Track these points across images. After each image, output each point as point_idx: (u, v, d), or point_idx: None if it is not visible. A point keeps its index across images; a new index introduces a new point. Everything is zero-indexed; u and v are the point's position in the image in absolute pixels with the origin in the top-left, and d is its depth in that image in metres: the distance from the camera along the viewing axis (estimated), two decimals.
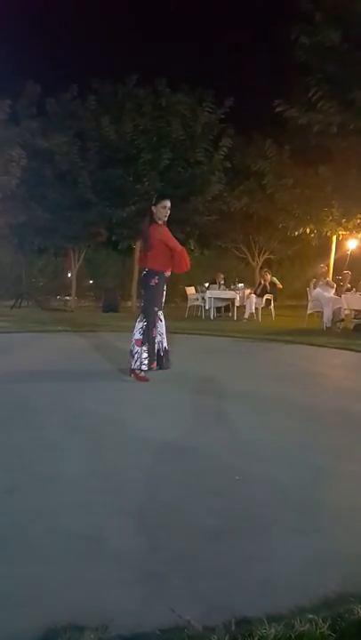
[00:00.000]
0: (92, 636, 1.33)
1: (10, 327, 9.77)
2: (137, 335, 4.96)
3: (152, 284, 5.02)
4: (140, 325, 4.99)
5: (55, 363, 6.09)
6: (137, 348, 4.91)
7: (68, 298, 19.04)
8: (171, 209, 5.08)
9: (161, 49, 22.84)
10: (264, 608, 1.48)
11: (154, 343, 5.00)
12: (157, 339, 5.08)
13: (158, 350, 5.09)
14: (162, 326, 5.19)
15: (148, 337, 4.94)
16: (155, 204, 5.04)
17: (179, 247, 5.12)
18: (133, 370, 4.92)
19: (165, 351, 5.20)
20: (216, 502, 2.24)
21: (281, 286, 13.93)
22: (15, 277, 18.65)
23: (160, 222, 5.05)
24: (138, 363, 4.88)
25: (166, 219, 5.08)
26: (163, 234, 5.02)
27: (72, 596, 1.56)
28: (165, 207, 5.03)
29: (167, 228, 5.10)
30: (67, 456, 2.80)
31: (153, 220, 5.04)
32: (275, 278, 13.78)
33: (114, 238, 16.14)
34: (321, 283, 11.20)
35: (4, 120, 13.21)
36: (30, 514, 2.09)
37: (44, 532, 1.94)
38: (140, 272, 5.20)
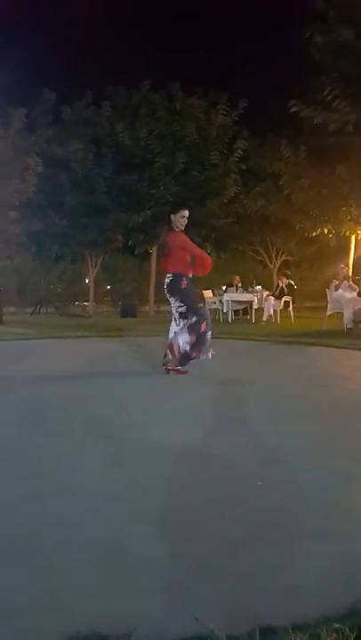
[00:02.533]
0: None
1: (30, 334, 9.87)
2: (181, 334, 5.18)
3: (183, 286, 5.26)
4: (181, 325, 5.22)
5: (74, 368, 6.12)
6: (181, 345, 5.16)
7: (86, 303, 19.17)
8: (188, 214, 5.33)
9: (174, 53, 22.94)
10: (289, 617, 1.44)
11: (203, 337, 5.25)
12: (208, 331, 5.34)
13: (205, 340, 5.32)
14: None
15: (197, 332, 5.20)
16: (174, 213, 5.32)
17: (198, 251, 5.41)
18: (174, 368, 5.23)
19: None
20: (238, 509, 2.21)
21: (295, 286, 13.82)
22: (34, 284, 18.87)
23: (178, 230, 5.30)
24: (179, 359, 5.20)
25: (183, 227, 5.33)
26: (181, 241, 5.26)
27: (93, 604, 1.54)
28: (184, 217, 5.31)
29: (185, 235, 5.35)
30: (87, 462, 2.80)
31: (171, 228, 5.30)
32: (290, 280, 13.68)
33: (130, 243, 16.23)
34: (343, 285, 11.06)
35: (20, 129, 13.40)
36: (51, 521, 2.09)
37: (65, 540, 1.93)
38: (163, 277, 5.42)
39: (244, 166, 15.16)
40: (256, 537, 1.96)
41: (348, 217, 12.96)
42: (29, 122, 13.82)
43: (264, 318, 12.61)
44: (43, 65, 20.01)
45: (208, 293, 14.77)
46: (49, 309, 17.41)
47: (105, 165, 15.02)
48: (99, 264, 18.11)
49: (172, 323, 5.38)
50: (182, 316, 5.24)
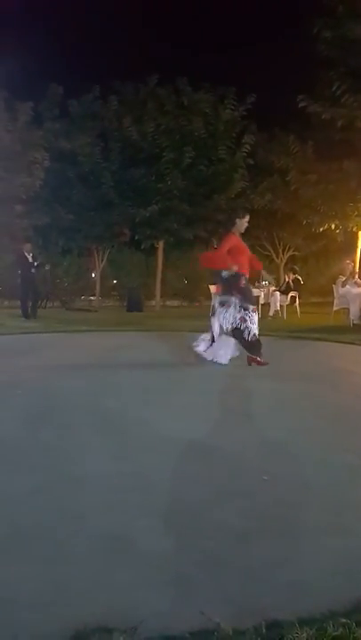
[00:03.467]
0: (121, 639, 1.33)
1: (36, 327, 9.90)
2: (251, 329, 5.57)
3: (242, 285, 5.68)
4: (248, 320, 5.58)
5: (81, 363, 6.14)
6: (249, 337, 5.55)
7: (92, 298, 19.20)
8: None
9: (182, 48, 22.82)
10: (295, 611, 1.45)
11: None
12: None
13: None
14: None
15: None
16: (240, 217, 5.86)
17: (248, 252, 5.98)
18: (254, 358, 5.57)
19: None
20: (244, 503, 2.22)
21: (302, 282, 13.77)
22: (40, 278, 18.89)
23: (237, 233, 5.82)
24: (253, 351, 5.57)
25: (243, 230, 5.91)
26: (237, 243, 5.78)
27: (101, 597, 1.55)
28: (247, 222, 5.92)
29: (240, 238, 5.89)
30: (94, 456, 2.81)
31: (231, 231, 5.83)
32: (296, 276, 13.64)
33: (137, 238, 16.20)
34: (350, 282, 11.01)
35: (28, 122, 13.38)
36: (59, 514, 2.11)
37: (73, 533, 1.95)
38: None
39: (251, 161, 15.07)
40: (262, 531, 1.96)
41: (356, 212, 12.88)
42: (36, 116, 13.79)
43: (270, 313, 12.58)
44: (50, 59, 19.96)
45: (214, 288, 14.75)
46: (55, 303, 17.46)
47: (112, 160, 14.98)
48: (105, 258, 18.11)
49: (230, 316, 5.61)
50: (243, 307, 5.63)
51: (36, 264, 12.20)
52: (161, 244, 16.45)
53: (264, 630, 1.36)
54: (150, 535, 1.93)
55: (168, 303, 19.24)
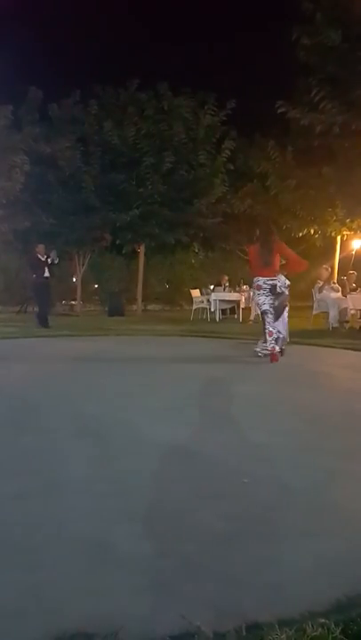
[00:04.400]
0: None
1: (16, 333, 9.79)
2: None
3: (286, 288, 6.69)
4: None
5: (61, 367, 6.09)
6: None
7: (73, 302, 19.07)
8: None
9: (162, 52, 22.91)
10: (275, 613, 1.46)
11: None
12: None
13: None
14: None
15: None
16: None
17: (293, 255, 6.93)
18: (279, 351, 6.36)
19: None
20: (224, 506, 2.22)
21: None
22: (20, 283, 18.70)
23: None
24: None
25: None
26: (284, 248, 6.74)
27: (80, 603, 1.54)
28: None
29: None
30: (74, 461, 2.79)
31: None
32: None
33: (118, 242, 16.18)
34: (326, 287, 11.17)
35: (7, 126, 13.27)
36: (37, 520, 2.08)
37: (51, 539, 1.93)
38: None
39: (231, 166, 15.20)
40: (243, 534, 1.97)
41: (334, 217, 13.08)
42: (16, 119, 13.68)
43: (252, 317, 12.66)
44: (30, 63, 19.86)
45: (195, 292, 14.81)
46: (36, 308, 17.28)
47: (92, 164, 14.95)
48: (86, 263, 18.03)
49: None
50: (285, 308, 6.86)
51: (50, 261, 11.13)
52: (142, 249, 16.45)
53: (244, 632, 1.37)
54: (130, 540, 1.92)
55: (150, 307, 19.23)
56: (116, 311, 15.17)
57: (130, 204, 14.58)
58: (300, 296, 19.31)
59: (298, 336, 8.92)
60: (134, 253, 17.03)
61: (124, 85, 15.28)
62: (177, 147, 14.63)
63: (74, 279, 19.01)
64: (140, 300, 16.91)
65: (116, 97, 15.39)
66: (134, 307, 17.04)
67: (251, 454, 2.93)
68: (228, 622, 1.42)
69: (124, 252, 16.89)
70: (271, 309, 6.48)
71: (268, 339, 6.33)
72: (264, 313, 6.54)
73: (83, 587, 1.63)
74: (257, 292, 6.73)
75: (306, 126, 11.37)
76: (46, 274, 11.18)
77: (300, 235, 14.59)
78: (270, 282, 6.49)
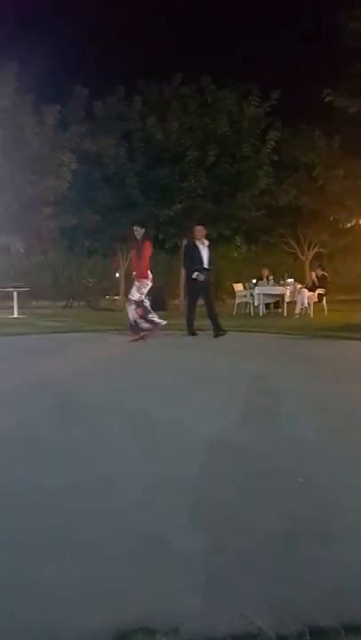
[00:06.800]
0: None
1: (63, 327, 10.03)
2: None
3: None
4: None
5: (109, 362, 6.18)
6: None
7: (116, 297, 19.34)
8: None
9: (205, 45, 22.73)
10: (338, 617, 1.41)
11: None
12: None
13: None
14: None
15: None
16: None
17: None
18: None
19: None
20: (278, 504, 2.18)
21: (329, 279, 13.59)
22: (66, 279, 19.12)
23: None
24: None
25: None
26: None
27: (140, 597, 1.55)
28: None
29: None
30: (124, 454, 2.82)
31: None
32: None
33: (161, 237, 16.24)
34: None
35: (54, 125, 13.54)
36: (92, 512, 2.11)
37: (107, 532, 1.95)
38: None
39: (276, 157, 14.94)
40: (299, 534, 1.93)
41: None
42: (62, 118, 13.95)
43: (297, 311, 12.44)
44: (75, 61, 20.15)
45: (238, 287, 14.67)
46: (80, 303, 17.64)
47: (136, 160, 15.05)
48: (129, 258, 18.22)
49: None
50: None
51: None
52: (184, 243, 16.44)
53: (308, 637, 1.34)
54: (184, 535, 1.91)
55: None
56: (158, 306, 15.22)
57: (173, 199, 14.59)
58: (349, 289, 18.80)
59: (348, 330, 8.67)
60: (177, 248, 17.06)
61: (167, 80, 15.28)
62: (221, 140, 14.51)
63: (117, 275, 19.26)
64: (182, 294, 16.92)
65: (159, 92, 15.41)
66: (176, 301, 17.08)
67: (302, 452, 2.86)
68: (289, 625, 1.39)
69: (166, 246, 16.94)
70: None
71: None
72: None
73: (140, 581, 1.63)
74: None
75: (354, 114, 11.02)
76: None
77: (349, 225, 14.19)
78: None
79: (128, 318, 7.61)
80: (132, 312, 7.51)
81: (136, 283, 7.63)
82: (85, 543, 1.87)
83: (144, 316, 7.53)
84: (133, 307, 7.49)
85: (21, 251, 18.31)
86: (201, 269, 8.26)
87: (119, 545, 1.86)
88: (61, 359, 6.34)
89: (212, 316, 8.36)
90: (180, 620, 1.40)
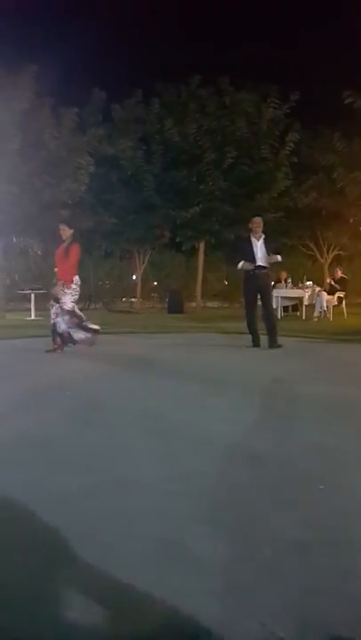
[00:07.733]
0: None
1: None
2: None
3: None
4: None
5: (123, 365, 6.17)
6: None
7: (133, 299, 19.39)
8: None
9: (223, 47, 22.72)
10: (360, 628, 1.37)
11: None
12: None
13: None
14: None
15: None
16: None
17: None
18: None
19: None
20: (299, 512, 2.13)
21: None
22: (83, 281, 19.20)
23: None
24: None
25: None
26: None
27: (160, 603, 1.52)
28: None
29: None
30: (141, 459, 2.79)
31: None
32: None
33: (178, 239, 16.25)
34: None
35: (72, 128, 13.64)
36: (109, 516, 2.09)
37: (125, 536, 1.92)
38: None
39: (295, 159, 14.83)
40: (321, 542, 1.88)
41: None
42: (80, 121, 14.06)
43: (315, 314, 12.31)
44: (93, 65, 20.32)
45: None
46: (97, 305, 17.73)
47: (154, 162, 15.09)
48: (146, 260, 18.26)
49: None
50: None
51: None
52: (202, 246, 16.42)
53: None
54: (204, 541, 1.88)
55: (208, 304, 19.17)
56: (175, 308, 15.26)
57: (190, 202, 14.58)
58: None
59: None
60: (194, 250, 17.04)
61: (185, 82, 15.29)
62: (239, 141, 14.47)
63: (134, 277, 19.31)
64: (199, 296, 16.90)
65: (177, 94, 15.43)
66: (193, 304, 17.05)
67: (322, 458, 2.81)
68: (311, 635, 1.35)
69: (183, 249, 16.95)
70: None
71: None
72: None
73: (157, 587, 1.60)
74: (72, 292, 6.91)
75: None
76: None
77: None
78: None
79: (57, 329, 6.83)
80: (65, 322, 6.75)
81: (65, 290, 6.78)
82: (100, 547, 1.85)
83: (80, 325, 6.87)
84: (67, 317, 6.75)
85: (39, 253, 18.49)
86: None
87: (136, 550, 1.83)
88: (78, 361, 6.36)
89: (271, 326, 7.37)
90: (199, 627, 1.37)
